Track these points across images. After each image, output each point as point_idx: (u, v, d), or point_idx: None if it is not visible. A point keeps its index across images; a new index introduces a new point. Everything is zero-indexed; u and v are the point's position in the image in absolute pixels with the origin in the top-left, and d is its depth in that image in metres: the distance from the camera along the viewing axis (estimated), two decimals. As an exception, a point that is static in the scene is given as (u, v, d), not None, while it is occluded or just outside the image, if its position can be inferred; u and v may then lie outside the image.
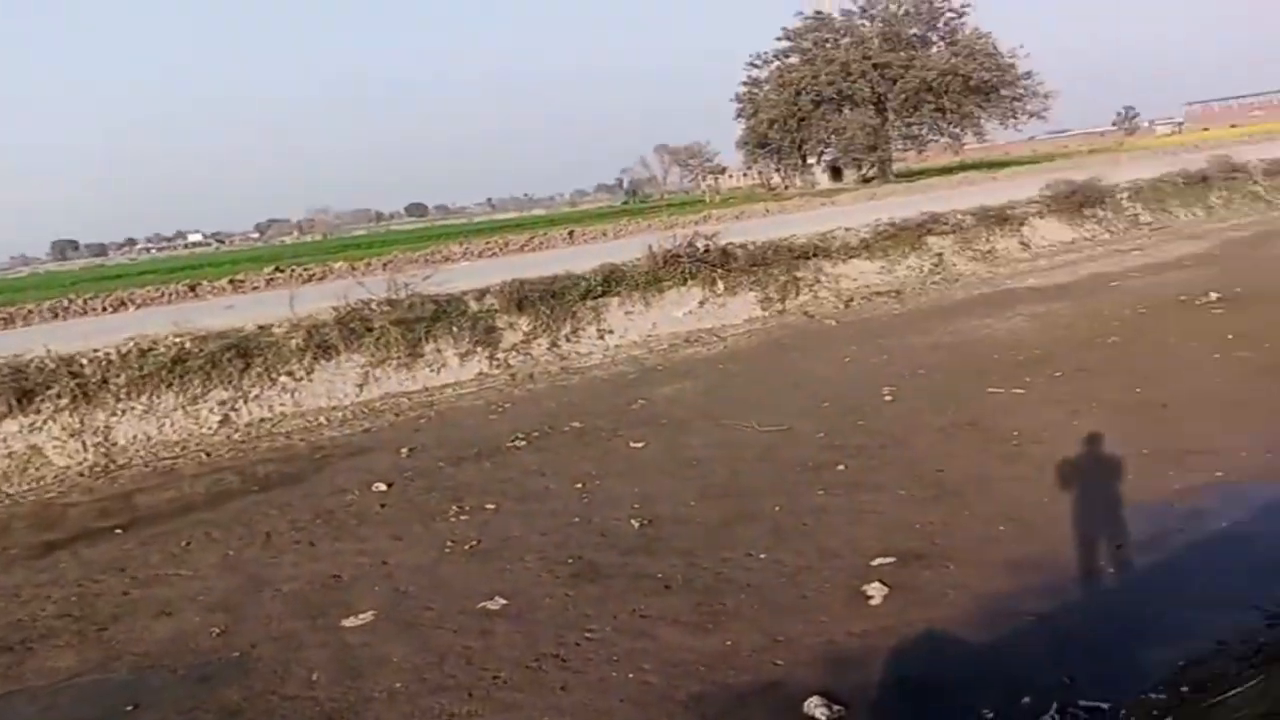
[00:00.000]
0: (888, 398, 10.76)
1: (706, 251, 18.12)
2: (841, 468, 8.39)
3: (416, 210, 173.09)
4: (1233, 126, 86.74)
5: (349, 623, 6.34)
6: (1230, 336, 11.64)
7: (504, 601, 6.36)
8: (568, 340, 15.84)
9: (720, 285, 17.92)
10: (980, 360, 12.16)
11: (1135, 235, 23.07)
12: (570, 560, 6.96)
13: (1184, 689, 4.44)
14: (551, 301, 16.03)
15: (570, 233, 32.10)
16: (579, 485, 8.76)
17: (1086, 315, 14.28)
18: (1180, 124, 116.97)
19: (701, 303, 17.58)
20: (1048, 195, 23.51)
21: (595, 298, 16.54)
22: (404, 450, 10.89)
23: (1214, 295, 14.20)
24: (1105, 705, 4.41)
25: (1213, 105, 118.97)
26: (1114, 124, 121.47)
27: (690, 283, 17.67)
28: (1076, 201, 23.48)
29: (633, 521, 7.59)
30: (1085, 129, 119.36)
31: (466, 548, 7.49)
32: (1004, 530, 6.56)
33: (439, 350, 14.86)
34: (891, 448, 8.86)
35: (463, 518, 8.25)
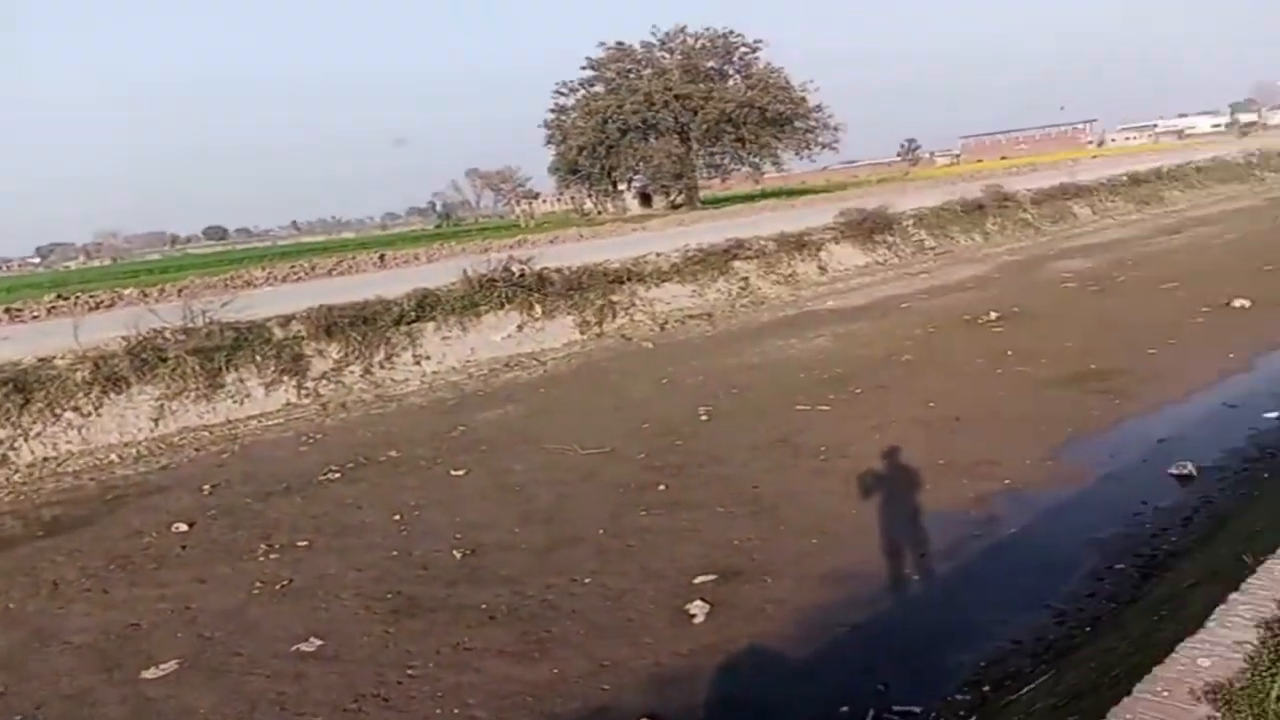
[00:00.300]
0: (704, 417, 11.04)
1: (522, 276, 18.11)
2: (663, 488, 8.52)
3: (216, 233, 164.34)
4: (1003, 158, 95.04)
5: (150, 674, 5.88)
6: (1010, 353, 12.68)
7: (319, 642, 6.07)
8: (382, 367, 15.37)
9: (538, 309, 17.91)
10: (788, 379, 12.69)
11: (922, 259, 24.75)
12: (389, 595, 6.72)
13: (986, 688, 4.76)
14: (363, 327, 15.54)
15: (381, 256, 31.34)
16: (397, 517, 8.49)
17: (882, 335, 15.18)
18: (958, 155, 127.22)
19: (520, 327, 17.51)
20: (841, 222, 24.88)
21: (410, 323, 16.16)
22: (206, 487, 10.24)
23: (994, 315, 15.44)
24: (917, 709, 4.67)
25: (984, 139, 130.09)
26: (899, 155, 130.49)
27: (508, 307, 17.57)
28: (868, 228, 24.96)
29: (455, 552, 7.42)
30: (873, 159, 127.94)
31: (277, 588, 7.11)
32: (816, 543, 6.85)
33: (242, 380, 14.09)
34: (709, 466, 9.08)
35: (272, 556, 7.83)
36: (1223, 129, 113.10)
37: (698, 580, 6.37)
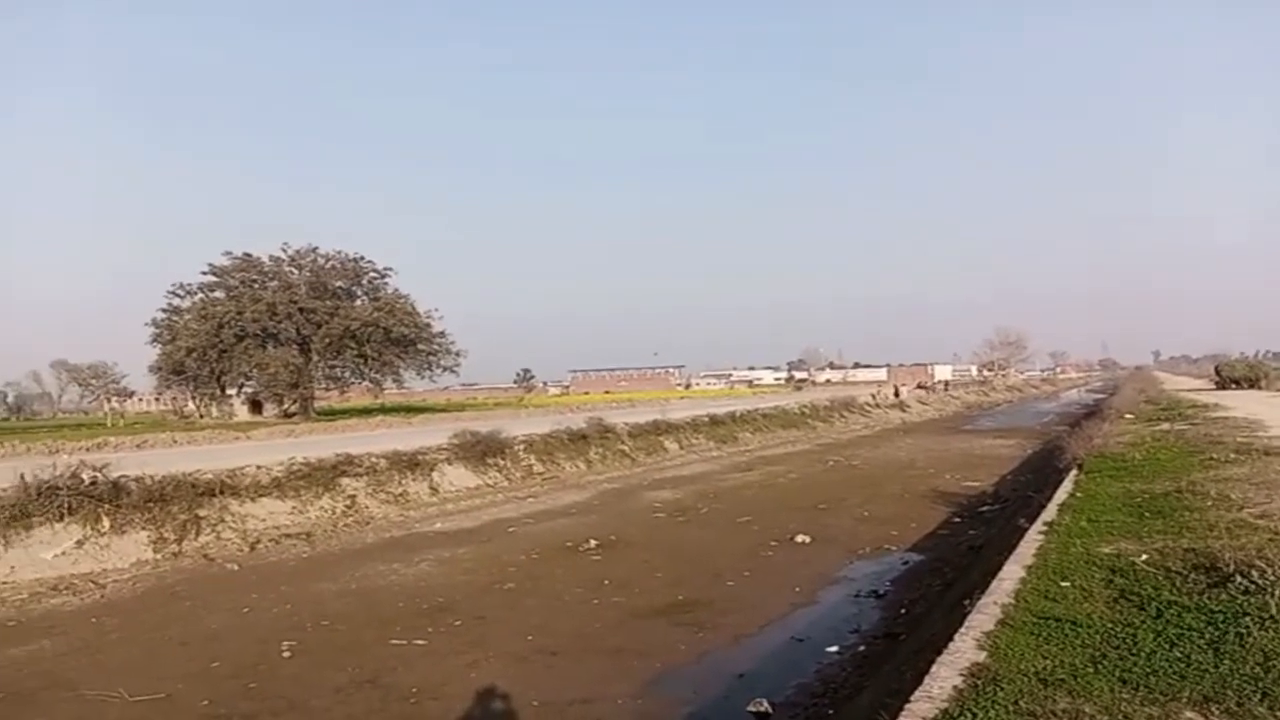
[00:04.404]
0: (286, 654, 10.01)
1: (94, 484, 16.00)
2: (224, 742, 7.46)
3: None
4: (606, 393, 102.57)
5: None
6: (606, 582, 13.05)
7: None
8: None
9: (106, 523, 15.76)
10: (386, 609, 12.00)
11: (531, 483, 25.32)
12: None
13: None
14: None
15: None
16: None
17: (486, 561, 15.04)
18: (567, 386, 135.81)
19: (80, 543, 15.21)
20: (456, 444, 25.04)
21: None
22: None
23: (593, 542, 15.96)
24: None
25: (591, 374, 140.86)
26: (515, 381, 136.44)
27: (69, 519, 15.32)
28: (481, 450, 25.32)
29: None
30: (492, 384, 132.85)
31: None
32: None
33: None
34: (284, 713, 8.12)
35: None
36: (782, 381, 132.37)
37: None
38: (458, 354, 55.98)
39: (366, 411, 56.23)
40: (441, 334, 55.07)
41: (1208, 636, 5.49)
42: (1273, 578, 6.26)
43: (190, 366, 49.94)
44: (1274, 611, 5.76)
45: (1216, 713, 4.39)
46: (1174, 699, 4.58)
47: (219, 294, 51.47)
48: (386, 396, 65.15)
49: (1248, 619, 5.70)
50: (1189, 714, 4.40)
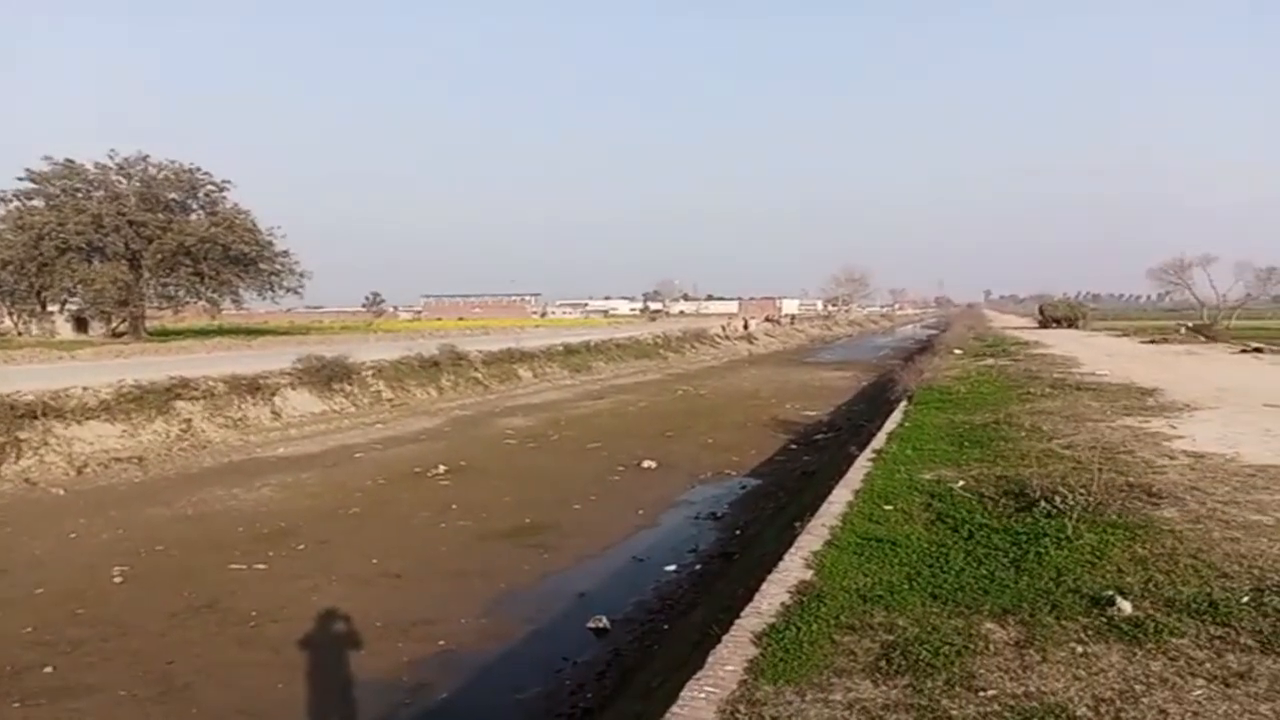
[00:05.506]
0: (118, 579, 9.69)
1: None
2: (49, 670, 7.20)
3: None
4: (460, 319, 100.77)
5: None
6: (454, 506, 13.11)
7: None
8: None
9: (-89, 445, 14.62)
10: (224, 534, 11.72)
11: (379, 410, 24.85)
12: None
13: None
14: None
15: None
16: None
17: (332, 486, 14.82)
18: (419, 312, 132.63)
19: (-123, 467, 14.09)
20: (300, 368, 24.22)
21: None
22: None
23: (442, 468, 15.93)
24: None
25: (445, 299, 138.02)
26: (364, 305, 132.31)
27: None
28: (327, 376, 24.60)
29: None
30: (339, 307, 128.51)
31: None
32: (235, 724, 6.23)
33: None
34: (115, 639, 7.90)
35: None
36: (638, 312, 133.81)
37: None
38: (301, 274, 53.26)
39: (203, 333, 53.39)
40: (284, 253, 52.37)
41: (1011, 556, 6.02)
42: (1072, 503, 6.87)
43: (6, 280, 45.99)
44: (1070, 533, 6.35)
45: (1012, 623, 4.86)
46: (977, 611, 5.03)
47: (38, 202, 47.31)
48: (225, 317, 61.95)
49: (1047, 539, 6.27)
50: (989, 625, 4.85)
